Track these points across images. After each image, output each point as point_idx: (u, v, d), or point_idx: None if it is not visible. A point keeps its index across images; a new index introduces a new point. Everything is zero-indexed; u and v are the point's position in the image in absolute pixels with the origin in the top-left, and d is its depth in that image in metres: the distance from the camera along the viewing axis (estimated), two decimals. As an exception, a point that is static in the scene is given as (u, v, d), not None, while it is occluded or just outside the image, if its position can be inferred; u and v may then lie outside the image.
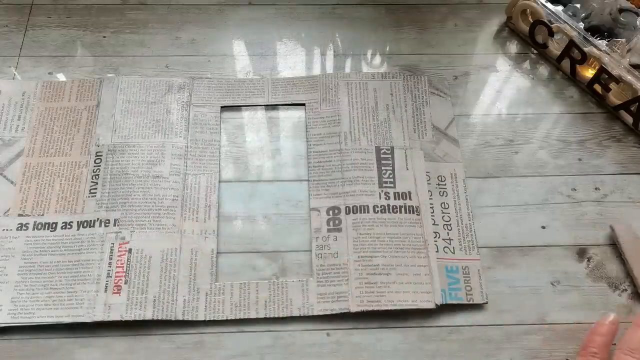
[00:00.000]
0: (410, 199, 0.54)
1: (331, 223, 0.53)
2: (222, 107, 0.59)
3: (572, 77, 0.63)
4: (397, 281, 0.49)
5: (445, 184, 0.55)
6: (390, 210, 0.53)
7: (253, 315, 0.48)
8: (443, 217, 0.53)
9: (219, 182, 0.55)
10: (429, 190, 0.54)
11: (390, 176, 0.55)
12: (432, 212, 0.54)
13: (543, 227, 0.54)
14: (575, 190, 0.57)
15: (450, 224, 0.53)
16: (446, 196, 0.55)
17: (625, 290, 0.51)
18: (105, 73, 0.62)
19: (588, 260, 0.53)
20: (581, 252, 0.53)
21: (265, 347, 0.48)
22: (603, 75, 0.59)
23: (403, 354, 0.48)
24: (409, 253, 0.51)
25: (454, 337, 0.49)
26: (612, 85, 0.60)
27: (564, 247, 0.53)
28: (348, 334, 0.48)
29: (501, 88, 0.63)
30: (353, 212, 0.53)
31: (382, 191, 0.54)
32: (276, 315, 0.48)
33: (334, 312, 0.48)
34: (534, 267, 0.52)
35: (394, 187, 0.54)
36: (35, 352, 0.47)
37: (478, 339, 0.49)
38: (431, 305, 0.49)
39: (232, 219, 0.54)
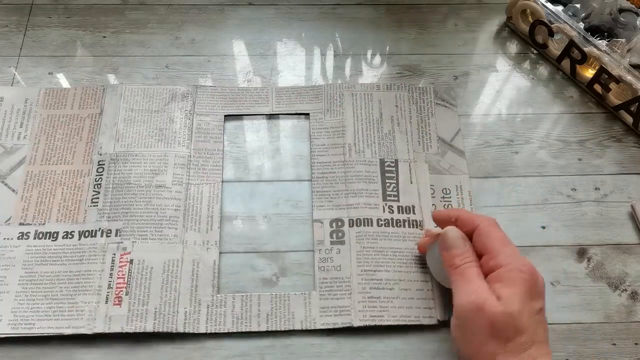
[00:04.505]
0: (413, 212, 0.53)
1: (334, 235, 0.52)
2: (225, 115, 0.59)
3: (572, 77, 0.63)
4: (400, 296, 0.49)
5: (450, 197, 0.55)
6: (394, 224, 0.53)
7: (255, 328, 0.48)
8: None
9: (222, 192, 0.55)
10: (433, 204, 0.54)
11: (394, 189, 0.55)
12: (435, 226, 0.53)
13: (543, 227, 0.54)
14: (575, 190, 0.57)
15: None
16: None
17: (625, 290, 0.51)
18: (105, 73, 0.62)
19: (588, 260, 0.53)
20: (581, 252, 0.53)
21: (265, 347, 0.48)
22: (603, 75, 0.59)
23: (403, 354, 0.48)
24: (412, 268, 0.51)
25: (454, 337, 0.49)
26: (612, 85, 0.60)
27: (564, 247, 0.53)
28: (348, 333, 0.49)
29: (501, 88, 0.63)
30: (357, 225, 0.52)
31: (386, 204, 0.54)
32: (278, 329, 0.48)
33: (336, 327, 0.48)
34: (534, 266, 0.52)
35: (398, 200, 0.54)
36: (36, 351, 0.47)
37: (478, 339, 0.49)
38: (433, 322, 0.48)
39: (232, 219, 0.54)
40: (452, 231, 0.41)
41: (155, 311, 0.48)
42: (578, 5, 0.65)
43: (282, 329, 0.48)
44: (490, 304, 0.36)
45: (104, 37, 0.65)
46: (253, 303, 0.49)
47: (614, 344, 0.49)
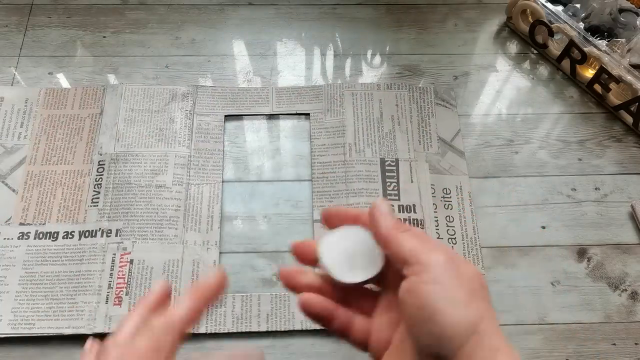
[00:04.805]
0: (414, 212, 0.53)
1: None
2: (225, 116, 0.59)
3: (572, 77, 0.63)
4: None
5: (450, 197, 0.55)
6: None
7: (255, 329, 0.48)
8: (448, 230, 0.53)
9: (222, 192, 0.55)
10: (433, 204, 0.54)
11: (395, 188, 0.55)
12: (436, 226, 0.53)
13: (543, 227, 0.54)
14: (575, 190, 0.57)
15: (455, 238, 0.53)
16: (451, 209, 0.54)
17: (625, 290, 0.51)
18: (105, 73, 0.62)
19: (588, 260, 0.53)
20: (581, 252, 0.53)
21: (265, 347, 0.48)
22: (603, 75, 0.59)
23: (403, 354, 0.48)
24: None
25: (454, 337, 0.49)
26: (612, 85, 0.60)
27: (564, 247, 0.53)
28: (348, 334, 0.48)
29: (501, 88, 0.63)
30: None
31: None
32: (278, 329, 0.48)
33: None
34: (534, 267, 0.52)
35: (399, 199, 0.54)
36: (36, 351, 0.47)
37: (478, 339, 0.49)
38: None
39: (232, 219, 0.54)
40: (383, 201, 0.32)
41: None
42: (578, 5, 0.65)
43: (282, 329, 0.48)
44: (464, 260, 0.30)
45: (104, 37, 0.65)
46: (253, 303, 0.49)
47: (614, 344, 0.49)
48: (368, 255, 0.31)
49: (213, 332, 0.48)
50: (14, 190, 0.54)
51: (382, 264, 0.30)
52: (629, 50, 0.59)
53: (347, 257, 0.32)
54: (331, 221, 0.35)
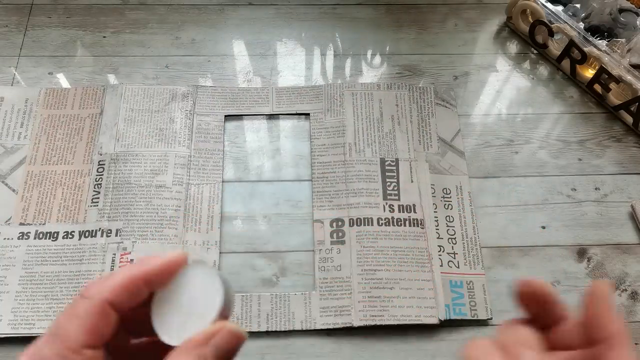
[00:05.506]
0: (414, 211, 0.53)
1: (334, 235, 0.52)
2: (225, 116, 0.59)
3: (572, 77, 0.63)
4: (401, 295, 0.49)
5: (450, 197, 0.55)
6: (395, 223, 0.53)
7: (255, 329, 0.48)
8: (448, 230, 0.53)
9: (222, 192, 0.55)
10: (433, 203, 0.54)
11: (395, 188, 0.55)
12: (436, 226, 0.53)
13: (543, 227, 0.54)
14: (575, 190, 0.57)
15: (455, 238, 0.53)
16: (451, 209, 0.54)
17: (625, 290, 0.51)
18: (105, 73, 0.62)
19: (588, 260, 0.53)
20: (581, 252, 0.53)
21: (265, 347, 0.48)
22: (603, 75, 0.59)
23: (403, 354, 0.48)
24: (413, 267, 0.51)
25: (453, 336, 0.49)
26: (612, 85, 0.60)
27: (564, 247, 0.53)
28: (348, 333, 0.49)
29: (501, 88, 0.63)
30: (357, 225, 0.53)
31: (387, 203, 0.54)
32: (278, 329, 0.48)
33: (336, 327, 0.48)
34: (534, 267, 0.52)
35: (399, 199, 0.54)
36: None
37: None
38: (434, 321, 0.48)
39: (232, 219, 0.54)
40: (476, 346, 0.23)
41: None
42: (578, 5, 0.65)
43: (282, 329, 0.48)
44: None
45: (104, 37, 0.65)
46: (253, 303, 0.49)
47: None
48: (203, 300, 0.23)
49: None
50: (14, 190, 0.54)
51: (221, 307, 0.23)
52: (629, 50, 0.59)
53: (181, 309, 0.24)
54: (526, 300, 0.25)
